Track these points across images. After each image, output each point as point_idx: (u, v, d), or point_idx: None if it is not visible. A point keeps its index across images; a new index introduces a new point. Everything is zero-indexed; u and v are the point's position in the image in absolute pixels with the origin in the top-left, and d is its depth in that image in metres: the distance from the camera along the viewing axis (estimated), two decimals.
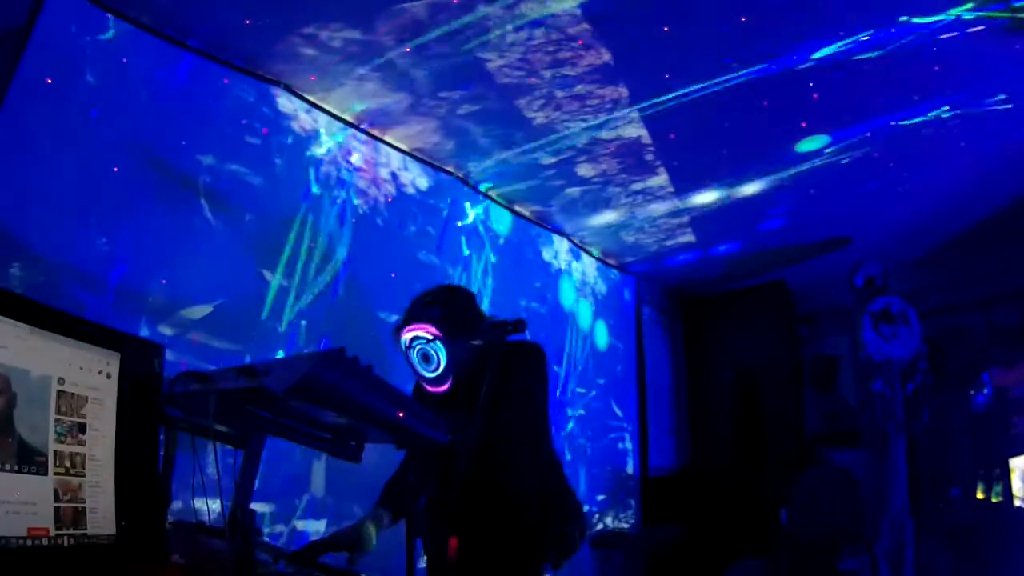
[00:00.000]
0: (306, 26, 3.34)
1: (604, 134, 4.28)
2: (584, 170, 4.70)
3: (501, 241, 5.04)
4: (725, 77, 3.78)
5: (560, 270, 5.61)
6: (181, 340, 3.17)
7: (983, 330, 5.98)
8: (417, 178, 4.46)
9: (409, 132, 4.23)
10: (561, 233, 5.60)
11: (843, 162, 4.63)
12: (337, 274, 3.92)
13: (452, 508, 2.01)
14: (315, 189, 3.89)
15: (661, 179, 4.82)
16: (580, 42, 3.50)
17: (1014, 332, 5.80)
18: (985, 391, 5.77)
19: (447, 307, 2.16)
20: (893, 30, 3.46)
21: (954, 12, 3.36)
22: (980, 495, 5.57)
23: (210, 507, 1.62)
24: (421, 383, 2.21)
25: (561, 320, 5.55)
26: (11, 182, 2.68)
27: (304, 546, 1.96)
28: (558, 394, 5.33)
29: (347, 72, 3.65)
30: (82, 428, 1.38)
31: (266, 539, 2.20)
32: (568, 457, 5.28)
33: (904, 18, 3.40)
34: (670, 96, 3.94)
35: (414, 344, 2.14)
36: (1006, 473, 5.41)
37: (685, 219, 5.44)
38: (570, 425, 5.46)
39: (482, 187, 4.87)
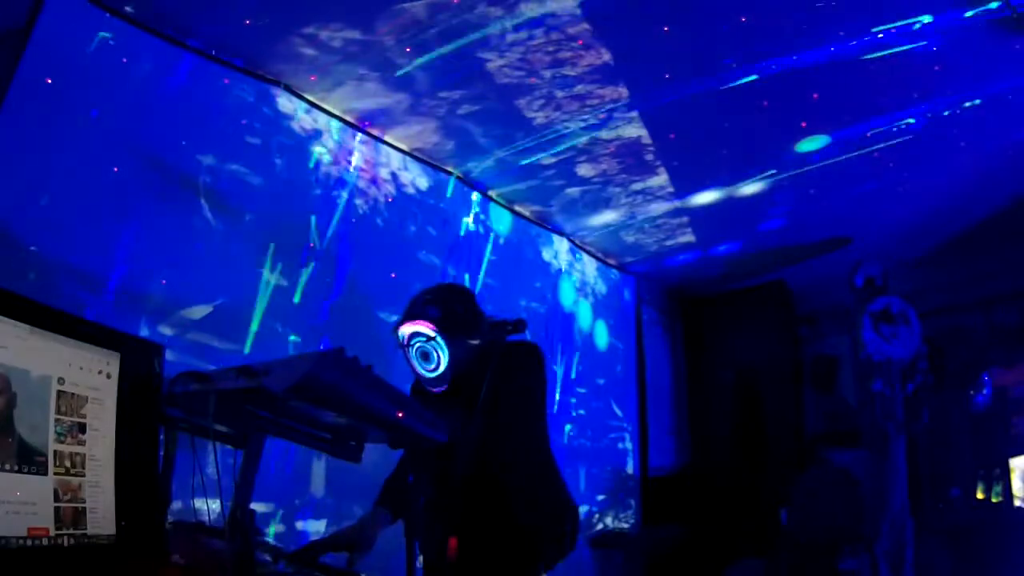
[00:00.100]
0: (306, 26, 3.34)
1: (604, 134, 4.28)
2: (584, 170, 4.70)
3: (501, 241, 5.04)
4: (725, 77, 3.78)
5: (560, 270, 5.61)
6: (181, 340, 3.16)
7: (983, 330, 5.97)
8: (417, 178, 4.46)
9: (409, 132, 4.23)
10: (561, 233, 5.59)
11: (843, 162, 4.64)
12: (337, 274, 3.93)
13: (451, 508, 2.01)
14: (315, 189, 3.90)
15: (661, 179, 4.82)
16: (580, 42, 3.50)
17: (1014, 332, 5.79)
18: (985, 391, 5.76)
19: (446, 306, 2.15)
20: (893, 30, 3.46)
21: (954, 12, 3.36)
22: (980, 495, 5.55)
23: (210, 507, 1.62)
24: (420, 382, 2.21)
25: (561, 320, 5.55)
26: (11, 182, 2.68)
27: (304, 546, 1.97)
28: (558, 394, 5.33)
29: (347, 72, 3.65)
30: (82, 428, 1.38)
31: (266, 539, 2.20)
32: (568, 457, 5.27)
33: (904, 18, 3.40)
34: (670, 96, 3.94)
35: (413, 341, 2.13)
36: (1006, 473, 5.40)
37: (685, 219, 5.44)
38: (569, 426, 5.46)
39: (482, 187, 4.87)
